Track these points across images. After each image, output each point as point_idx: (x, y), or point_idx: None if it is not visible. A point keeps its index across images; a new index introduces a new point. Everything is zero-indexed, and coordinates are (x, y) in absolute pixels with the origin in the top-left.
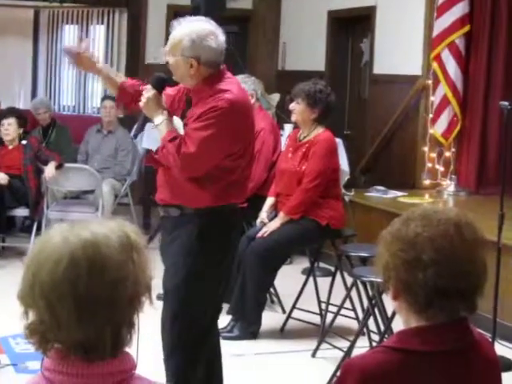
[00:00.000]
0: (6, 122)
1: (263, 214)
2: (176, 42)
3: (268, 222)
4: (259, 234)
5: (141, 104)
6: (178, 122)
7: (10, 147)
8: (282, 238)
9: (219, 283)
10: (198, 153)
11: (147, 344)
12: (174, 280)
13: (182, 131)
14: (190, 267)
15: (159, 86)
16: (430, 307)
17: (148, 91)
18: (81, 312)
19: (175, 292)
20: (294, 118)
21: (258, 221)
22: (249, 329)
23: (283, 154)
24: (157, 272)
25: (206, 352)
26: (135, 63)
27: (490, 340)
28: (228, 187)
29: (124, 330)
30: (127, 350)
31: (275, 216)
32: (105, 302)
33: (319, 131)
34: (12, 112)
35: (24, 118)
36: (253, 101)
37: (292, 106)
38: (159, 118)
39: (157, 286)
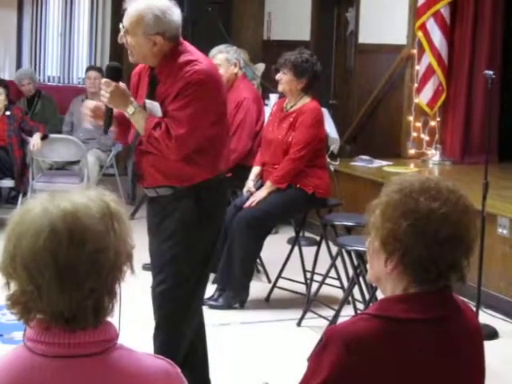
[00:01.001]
0: None
1: (250, 183)
2: (136, 19)
3: (255, 192)
4: (247, 204)
5: (105, 100)
6: (151, 104)
7: None
8: (269, 207)
9: (210, 252)
10: (189, 131)
11: (129, 313)
12: (172, 251)
13: (159, 111)
14: (189, 241)
15: (116, 76)
16: (438, 280)
17: (108, 85)
18: (62, 282)
19: (173, 264)
20: (280, 88)
21: (245, 190)
22: (236, 298)
23: (269, 123)
24: (140, 242)
25: (195, 322)
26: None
27: (475, 309)
28: (215, 158)
29: (105, 300)
30: (109, 319)
31: (261, 185)
32: (86, 272)
33: (306, 101)
34: (1, 82)
35: (9, 89)
36: (236, 70)
37: (278, 76)
38: (130, 108)
39: (142, 256)
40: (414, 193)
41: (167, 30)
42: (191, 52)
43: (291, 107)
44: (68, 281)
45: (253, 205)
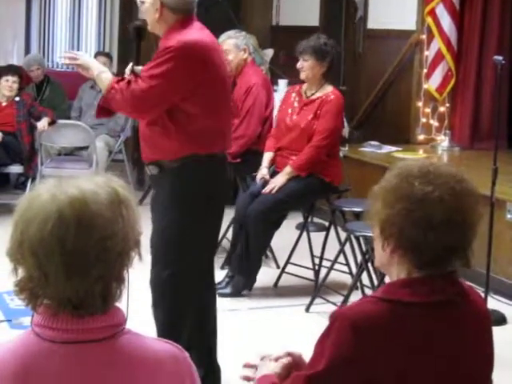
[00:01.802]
0: (11, 78)
1: (264, 171)
2: None
3: (269, 179)
4: (267, 190)
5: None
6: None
7: (4, 104)
8: (286, 195)
9: (207, 235)
10: (148, 89)
11: (137, 299)
12: (164, 233)
13: None
14: (179, 222)
15: (138, 35)
16: (435, 263)
17: (73, 59)
18: (69, 268)
19: (166, 246)
20: (303, 75)
21: (259, 177)
22: (246, 284)
23: (286, 108)
24: (149, 229)
25: (195, 308)
26: (128, 18)
27: (483, 294)
28: (195, 135)
29: (113, 286)
30: (117, 305)
31: (273, 171)
32: (93, 258)
33: (328, 89)
34: (16, 70)
35: (22, 76)
36: (245, 55)
37: (299, 64)
38: (97, 69)
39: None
40: (410, 177)
41: None
42: (194, 30)
43: (312, 94)
44: (75, 267)
45: (273, 192)
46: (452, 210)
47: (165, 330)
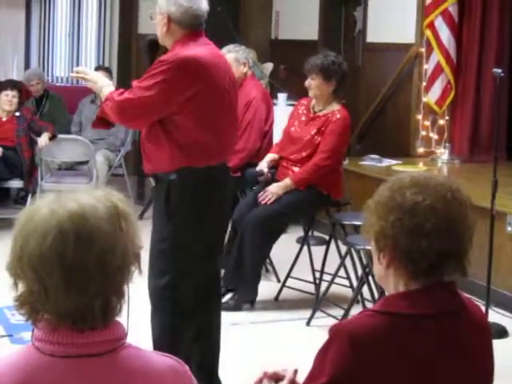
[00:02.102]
0: (10, 93)
1: (263, 164)
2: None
3: (267, 173)
4: (263, 200)
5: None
6: None
7: (4, 119)
8: (283, 207)
9: (205, 247)
10: (138, 100)
11: (137, 313)
12: (158, 246)
13: None
14: (171, 234)
15: (152, 49)
16: (430, 273)
17: (84, 78)
18: (69, 283)
19: (160, 260)
20: (311, 93)
21: (258, 168)
22: (246, 299)
23: (293, 120)
24: (149, 243)
25: (194, 320)
26: (128, 33)
27: (484, 307)
28: (190, 148)
29: (113, 300)
30: (118, 319)
31: (273, 177)
32: (93, 272)
33: (335, 107)
34: (15, 85)
35: (22, 91)
36: (245, 69)
37: (307, 82)
38: (102, 82)
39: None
40: (402, 188)
41: (174, 12)
42: (197, 45)
43: (320, 110)
44: (75, 281)
45: (269, 202)
46: (443, 218)
47: (158, 342)
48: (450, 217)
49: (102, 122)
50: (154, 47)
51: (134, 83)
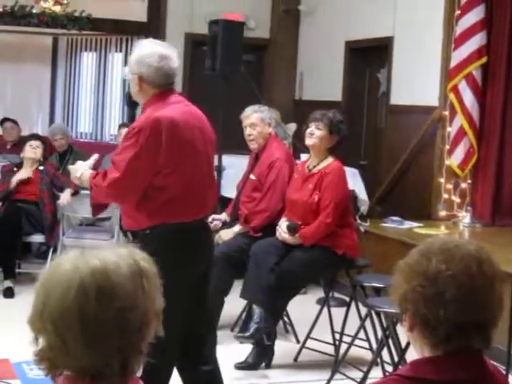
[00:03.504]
0: (34, 143)
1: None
2: (130, 60)
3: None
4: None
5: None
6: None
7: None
8: (298, 267)
9: (179, 309)
10: (124, 175)
11: None
12: None
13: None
14: None
15: (132, 102)
16: (448, 342)
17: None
18: (89, 339)
19: None
20: (310, 141)
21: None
22: (262, 358)
23: (292, 184)
24: None
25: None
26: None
27: (504, 372)
28: (164, 205)
29: (132, 358)
30: (136, 376)
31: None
32: (113, 329)
33: (329, 161)
34: (40, 138)
35: (46, 145)
36: (270, 129)
37: (311, 130)
38: (79, 170)
39: None
40: (430, 253)
41: (144, 72)
42: (167, 105)
43: (314, 167)
44: (95, 337)
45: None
46: (465, 289)
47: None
48: (473, 289)
49: (99, 206)
50: (135, 101)
51: (114, 158)
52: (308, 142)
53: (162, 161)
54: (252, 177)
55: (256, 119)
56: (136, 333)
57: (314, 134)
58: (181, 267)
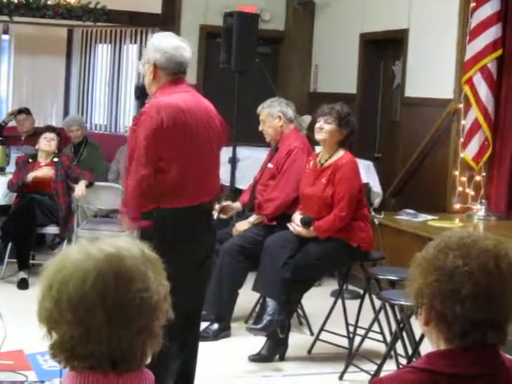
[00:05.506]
0: (49, 135)
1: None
2: (144, 52)
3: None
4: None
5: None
6: None
7: (43, 164)
8: (313, 259)
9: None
10: (136, 163)
11: None
12: None
13: None
14: None
15: (142, 94)
16: (463, 337)
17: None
18: (111, 322)
19: None
20: (321, 136)
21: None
22: (276, 351)
23: (305, 179)
24: None
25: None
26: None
27: None
28: (159, 190)
29: (148, 342)
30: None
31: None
32: (133, 311)
33: (340, 154)
34: (55, 129)
35: (61, 137)
36: (280, 122)
37: (321, 124)
38: None
39: None
40: (447, 249)
41: (161, 59)
42: (176, 92)
43: (326, 161)
44: (117, 320)
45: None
46: (481, 285)
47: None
48: (489, 285)
49: (143, 216)
50: (144, 93)
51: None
52: (318, 136)
53: (164, 145)
54: (270, 165)
55: (264, 115)
56: (151, 314)
57: (324, 128)
58: (174, 251)
